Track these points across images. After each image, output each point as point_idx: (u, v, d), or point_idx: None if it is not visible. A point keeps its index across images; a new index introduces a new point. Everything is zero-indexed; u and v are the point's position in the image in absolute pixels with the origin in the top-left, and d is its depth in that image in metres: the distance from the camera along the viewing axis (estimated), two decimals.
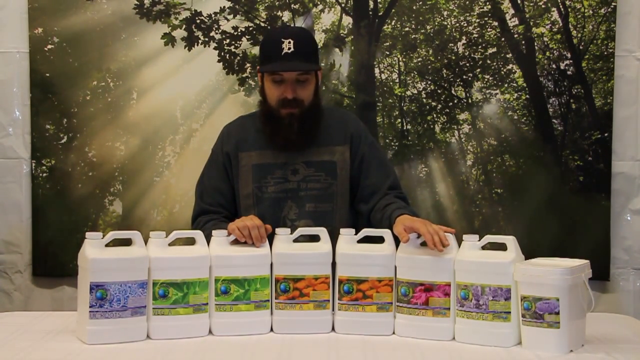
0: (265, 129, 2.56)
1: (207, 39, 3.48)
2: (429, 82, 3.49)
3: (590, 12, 3.43)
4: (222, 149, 2.61)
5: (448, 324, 2.11)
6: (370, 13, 3.47)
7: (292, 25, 3.42)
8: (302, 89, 2.50)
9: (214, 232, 2.21)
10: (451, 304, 2.11)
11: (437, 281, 2.12)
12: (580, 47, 3.44)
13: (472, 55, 3.47)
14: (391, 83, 3.49)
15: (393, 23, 3.48)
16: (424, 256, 2.15)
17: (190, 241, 2.20)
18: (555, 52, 3.46)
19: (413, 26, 3.48)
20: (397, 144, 3.48)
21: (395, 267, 2.17)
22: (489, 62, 3.48)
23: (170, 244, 2.15)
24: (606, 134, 3.43)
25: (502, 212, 3.46)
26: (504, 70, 3.47)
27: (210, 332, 2.14)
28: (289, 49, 2.45)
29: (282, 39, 2.47)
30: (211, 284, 2.13)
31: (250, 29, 3.48)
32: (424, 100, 3.49)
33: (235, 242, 2.23)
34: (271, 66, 2.48)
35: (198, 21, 3.47)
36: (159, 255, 2.10)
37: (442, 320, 2.11)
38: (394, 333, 2.17)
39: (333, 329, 2.19)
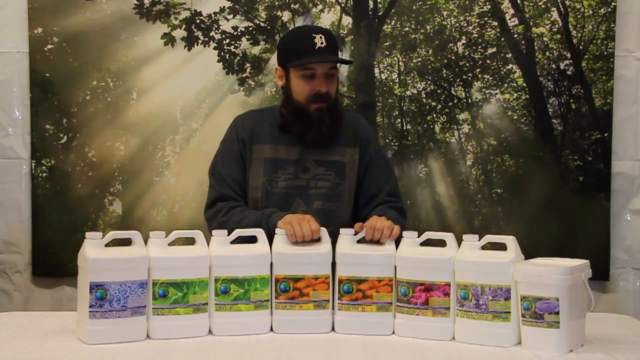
0: (294, 126, 2.56)
1: (207, 39, 3.48)
2: (429, 82, 3.49)
3: (590, 12, 3.43)
4: (237, 136, 2.61)
5: (448, 323, 2.11)
6: (370, 13, 3.47)
7: (296, 25, 3.42)
8: (331, 83, 2.55)
9: (214, 232, 2.21)
10: (451, 303, 2.11)
11: (437, 281, 2.12)
12: (580, 47, 3.44)
13: (472, 55, 3.47)
14: (391, 83, 3.49)
15: (393, 23, 3.48)
16: (424, 256, 2.15)
17: (190, 241, 2.20)
18: (555, 52, 3.46)
19: (413, 26, 3.48)
20: (397, 144, 3.49)
21: (395, 267, 2.17)
22: (488, 62, 3.48)
23: (170, 244, 2.15)
24: (606, 134, 3.43)
25: (502, 212, 3.46)
26: (504, 70, 3.47)
27: (210, 332, 2.14)
28: (322, 43, 2.49)
29: (314, 34, 2.51)
30: (211, 284, 2.13)
31: (250, 29, 3.48)
32: (424, 100, 3.49)
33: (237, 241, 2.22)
34: (309, 59, 2.50)
35: (198, 21, 3.47)
36: (159, 255, 2.10)
37: (442, 320, 2.11)
38: (394, 333, 2.17)
39: (333, 328, 2.19)
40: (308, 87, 2.51)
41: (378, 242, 2.24)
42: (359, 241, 2.22)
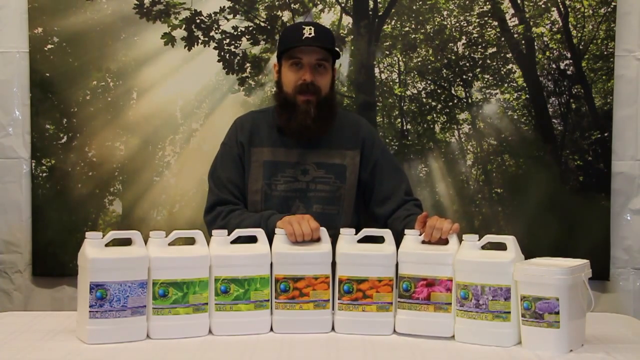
0: (281, 117, 2.56)
1: (207, 39, 3.48)
2: (429, 82, 3.49)
3: (590, 12, 3.43)
4: (236, 139, 2.61)
5: (449, 319, 2.11)
6: (370, 13, 3.46)
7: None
8: (320, 76, 2.53)
9: (214, 231, 2.21)
10: (453, 299, 2.11)
11: (439, 276, 2.12)
12: (580, 47, 3.44)
13: (472, 55, 3.47)
14: (391, 83, 3.49)
15: (393, 23, 3.48)
16: (426, 251, 2.16)
17: (190, 241, 2.20)
18: (555, 52, 3.46)
19: (413, 26, 3.48)
20: (397, 143, 3.48)
21: (397, 263, 2.17)
22: (489, 62, 3.48)
23: (170, 244, 2.15)
24: (606, 134, 3.43)
25: (502, 212, 3.46)
26: (504, 70, 3.47)
27: (210, 332, 2.14)
28: (310, 34, 2.49)
29: (303, 26, 2.53)
30: (211, 284, 2.13)
31: (250, 28, 3.48)
32: (424, 100, 3.49)
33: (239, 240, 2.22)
34: (294, 46, 2.51)
35: (198, 21, 3.47)
36: (159, 255, 2.10)
37: (443, 315, 2.12)
38: (394, 332, 2.17)
39: (333, 328, 2.19)
40: (295, 77, 2.52)
41: (438, 242, 2.20)
42: (423, 242, 2.21)
